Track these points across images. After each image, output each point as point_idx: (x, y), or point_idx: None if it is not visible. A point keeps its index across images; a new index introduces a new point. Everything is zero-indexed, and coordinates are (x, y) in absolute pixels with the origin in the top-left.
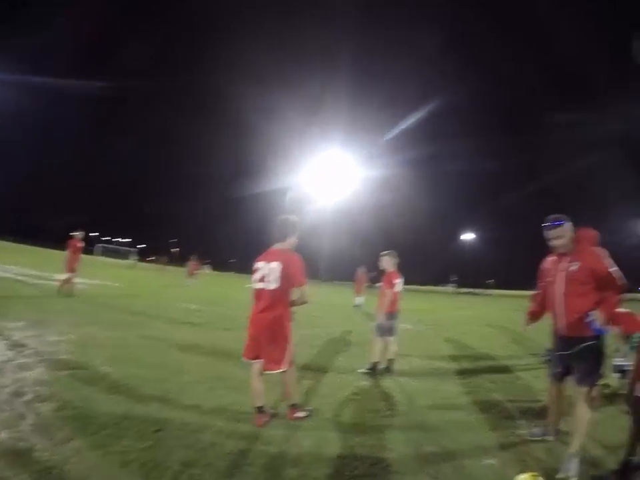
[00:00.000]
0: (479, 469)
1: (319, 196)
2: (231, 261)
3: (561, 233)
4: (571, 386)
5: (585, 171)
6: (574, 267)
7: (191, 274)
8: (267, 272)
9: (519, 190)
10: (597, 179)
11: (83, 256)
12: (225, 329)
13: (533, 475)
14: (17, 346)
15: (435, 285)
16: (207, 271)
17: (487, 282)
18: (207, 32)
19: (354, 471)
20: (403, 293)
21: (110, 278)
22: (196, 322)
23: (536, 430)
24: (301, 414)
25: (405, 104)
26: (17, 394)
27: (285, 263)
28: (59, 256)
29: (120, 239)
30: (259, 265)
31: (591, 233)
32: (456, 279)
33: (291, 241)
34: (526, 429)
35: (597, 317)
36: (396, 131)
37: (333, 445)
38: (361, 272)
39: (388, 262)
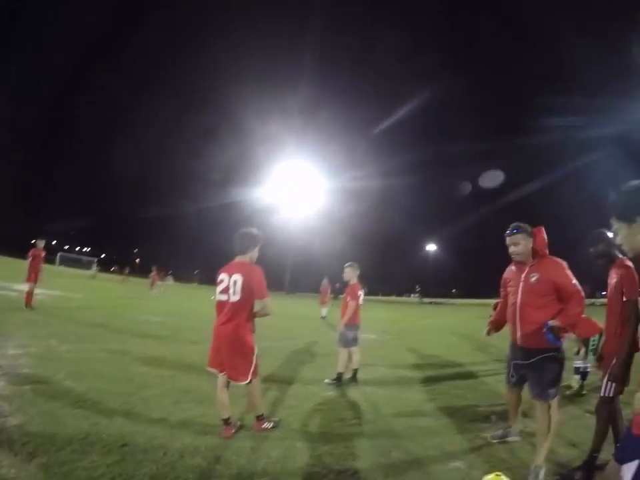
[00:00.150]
0: (445, 472)
1: (283, 207)
2: (195, 272)
3: (516, 240)
4: (529, 395)
5: (553, 181)
6: (533, 278)
7: (152, 285)
8: (229, 284)
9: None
10: (567, 189)
11: (44, 265)
12: (189, 342)
13: (497, 475)
14: None
15: (399, 295)
16: (169, 282)
17: (451, 292)
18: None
19: (322, 479)
20: (365, 304)
21: (71, 289)
22: (159, 335)
23: (499, 432)
24: (267, 425)
25: (371, 116)
26: None
27: (247, 275)
28: (18, 265)
29: (79, 248)
30: (222, 277)
31: (539, 232)
32: (420, 289)
33: (252, 254)
34: (490, 432)
35: (552, 328)
36: (361, 143)
37: (300, 454)
38: (325, 283)
39: (350, 273)
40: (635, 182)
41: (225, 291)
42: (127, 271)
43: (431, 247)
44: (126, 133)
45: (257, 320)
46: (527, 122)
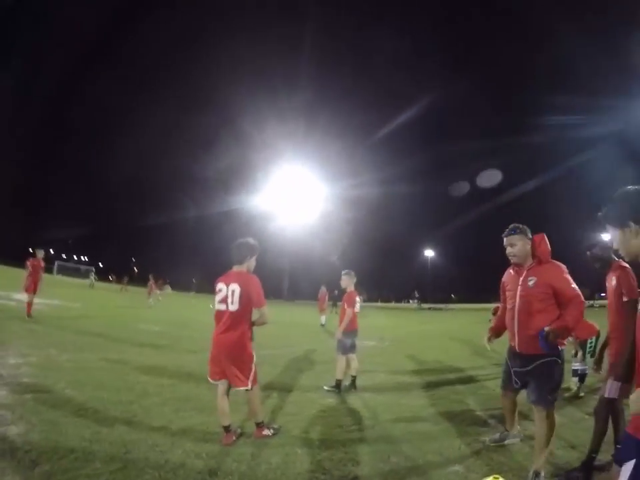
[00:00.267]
0: (444, 476)
1: (282, 214)
2: (194, 280)
3: (513, 241)
4: (527, 400)
5: (553, 181)
6: (530, 282)
7: (150, 293)
8: (228, 294)
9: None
10: (567, 188)
11: (43, 275)
12: (188, 351)
13: (495, 478)
14: None
15: (398, 301)
16: (167, 290)
17: (450, 297)
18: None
19: None
20: (364, 311)
21: (69, 298)
22: (158, 344)
23: (496, 435)
24: (267, 432)
25: (370, 123)
26: None
27: (244, 285)
28: (15, 273)
29: (76, 257)
30: (219, 286)
31: (541, 240)
32: (419, 295)
33: (249, 264)
34: (489, 435)
35: (548, 335)
36: (360, 150)
37: (300, 460)
38: (323, 291)
39: (347, 281)
40: (627, 188)
41: (224, 300)
42: (125, 280)
43: (429, 253)
44: (123, 139)
45: (255, 328)
46: (527, 122)
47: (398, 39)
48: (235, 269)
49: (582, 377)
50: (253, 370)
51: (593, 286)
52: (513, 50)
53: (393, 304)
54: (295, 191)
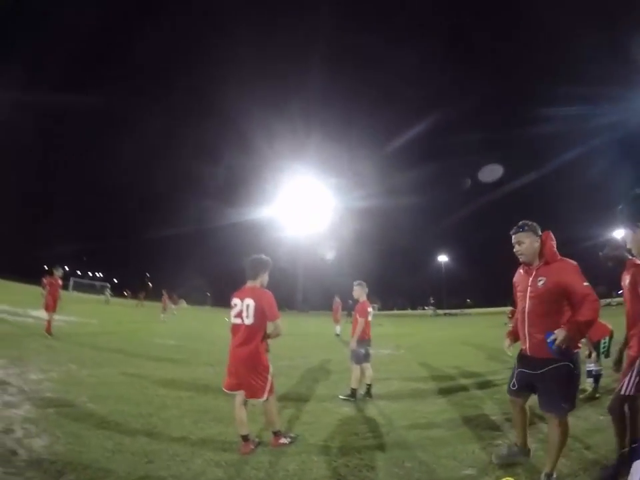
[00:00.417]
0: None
1: (293, 226)
2: (207, 294)
3: (520, 239)
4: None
5: (562, 176)
6: (540, 282)
7: (164, 308)
8: (243, 308)
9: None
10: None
11: (61, 292)
12: (205, 364)
13: None
14: (0, 384)
15: (414, 308)
16: (182, 305)
17: (465, 302)
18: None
19: None
20: (380, 319)
21: (86, 314)
22: (175, 358)
23: (503, 451)
24: (284, 440)
25: (380, 135)
26: (7, 431)
27: (259, 299)
28: (30, 290)
29: (91, 273)
30: (235, 301)
31: (546, 238)
32: (434, 301)
33: (262, 279)
34: (502, 440)
35: (557, 338)
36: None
37: (317, 467)
38: (337, 301)
39: (359, 291)
40: (638, 191)
41: (239, 314)
42: (142, 295)
43: (443, 258)
44: (131, 150)
45: (271, 340)
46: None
47: (408, 52)
48: (249, 284)
49: (597, 377)
50: (269, 381)
51: (609, 283)
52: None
53: (408, 311)
54: (305, 202)
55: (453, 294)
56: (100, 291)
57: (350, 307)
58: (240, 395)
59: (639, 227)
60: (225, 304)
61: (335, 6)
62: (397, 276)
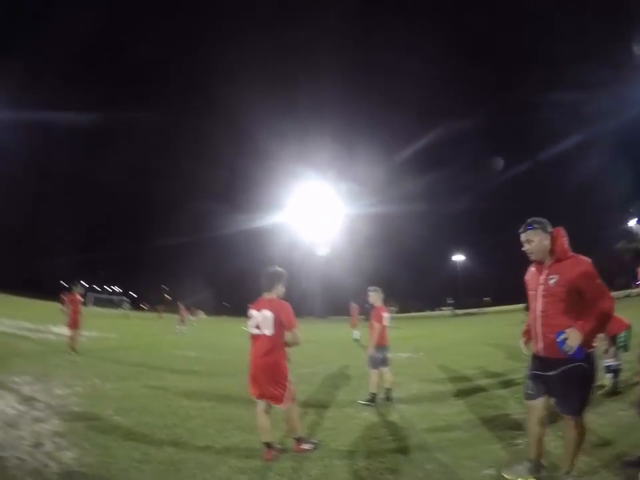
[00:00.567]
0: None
1: (307, 232)
2: (224, 304)
3: (529, 237)
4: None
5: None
6: (552, 280)
7: (181, 320)
8: (261, 319)
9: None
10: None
11: (81, 308)
12: (226, 375)
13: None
14: (27, 400)
15: (432, 310)
16: (201, 316)
17: (483, 300)
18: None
19: None
20: (398, 322)
21: (106, 329)
22: (197, 369)
23: (516, 468)
24: (306, 446)
25: (391, 142)
26: (37, 445)
27: (276, 310)
28: (49, 306)
29: (108, 287)
30: (252, 313)
31: (557, 235)
32: (452, 301)
33: (278, 290)
34: (522, 439)
35: (568, 337)
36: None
37: (339, 471)
38: (354, 306)
39: (374, 297)
40: None
41: (257, 325)
42: (161, 308)
43: (458, 257)
44: (141, 159)
45: (290, 348)
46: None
47: (420, 59)
48: (266, 295)
49: (616, 372)
50: (290, 388)
51: (628, 274)
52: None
53: (426, 313)
54: (318, 208)
55: (470, 293)
56: (118, 305)
57: (367, 310)
58: (262, 403)
59: None
60: (242, 313)
61: (348, 11)
62: (413, 278)
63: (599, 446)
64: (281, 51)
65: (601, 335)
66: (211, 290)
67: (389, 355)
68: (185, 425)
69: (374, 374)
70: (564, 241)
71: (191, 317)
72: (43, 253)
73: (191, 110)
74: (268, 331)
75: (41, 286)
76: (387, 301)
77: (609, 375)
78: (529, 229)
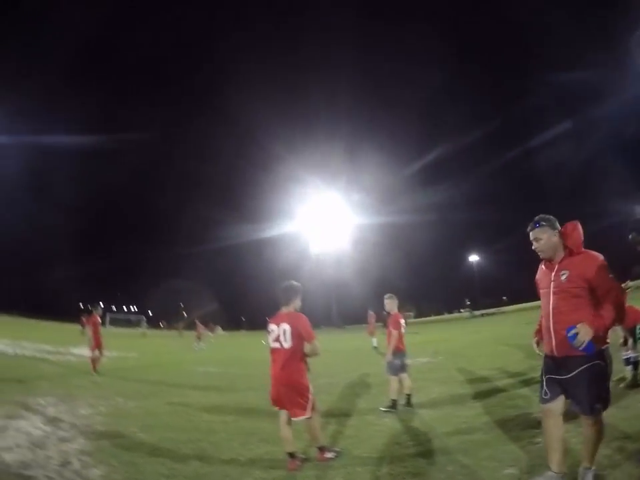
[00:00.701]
0: (499, 479)
1: (320, 242)
2: (242, 318)
3: (537, 235)
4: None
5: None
6: (563, 276)
7: (198, 337)
8: (280, 333)
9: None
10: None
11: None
12: (247, 389)
13: None
14: (53, 420)
15: (450, 312)
16: (219, 332)
17: (501, 299)
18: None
19: None
20: (417, 327)
21: (125, 349)
22: (217, 385)
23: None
24: (329, 454)
25: (407, 151)
26: (64, 464)
27: (294, 324)
28: (68, 328)
29: (125, 307)
30: (272, 327)
31: (573, 229)
32: (469, 302)
33: (295, 304)
34: (542, 437)
35: (579, 331)
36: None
37: (362, 477)
38: (371, 314)
39: (390, 304)
40: None
41: (277, 339)
42: (181, 325)
43: (474, 258)
44: (151, 173)
45: (310, 359)
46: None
47: (435, 72)
48: (283, 309)
49: (635, 364)
50: (311, 399)
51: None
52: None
53: (445, 315)
54: (328, 217)
55: (488, 293)
56: (136, 324)
57: (384, 317)
58: (284, 414)
59: None
60: (259, 326)
61: (361, 21)
62: (430, 283)
63: (620, 439)
64: (293, 59)
65: (616, 328)
66: (226, 304)
67: (408, 361)
68: (209, 439)
69: (393, 380)
70: (578, 235)
71: (210, 333)
72: (56, 276)
73: (201, 119)
74: (287, 343)
75: (57, 309)
76: (403, 307)
77: (629, 368)
78: (537, 226)
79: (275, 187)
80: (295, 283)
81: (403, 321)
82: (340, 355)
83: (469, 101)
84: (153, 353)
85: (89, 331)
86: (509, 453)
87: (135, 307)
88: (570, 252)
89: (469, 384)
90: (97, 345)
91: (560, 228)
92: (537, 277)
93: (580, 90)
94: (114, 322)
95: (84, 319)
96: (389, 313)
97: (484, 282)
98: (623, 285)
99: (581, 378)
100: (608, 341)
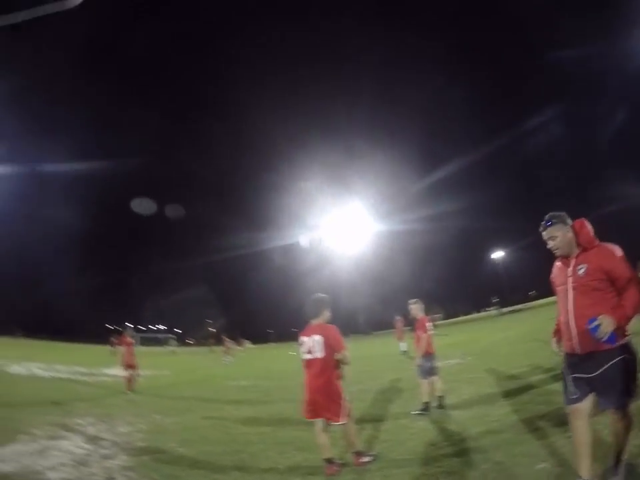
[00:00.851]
0: (532, 474)
1: (342, 250)
2: (269, 331)
3: (552, 234)
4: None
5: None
6: (581, 270)
7: (226, 352)
8: (312, 344)
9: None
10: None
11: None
12: (280, 400)
13: None
14: (93, 439)
15: (478, 311)
16: (247, 345)
17: (528, 294)
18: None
19: None
20: (446, 328)
21: (157, 367)
22: (251, 397)
23: None
24: (365, 459)
25: (429, 159)
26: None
27: (325, 335)
28: (97, 350)
29: (153, 326)
30: (303, 339)
31: (581, 226)
32: (497, 299)
33: (325, 316)
34: None
35: (601, 323)
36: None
37: (398, 479)
38: (399, 319)
39: (417, 309)
40: None
41: (309, 350)
42: (211, 341)
43: (499, 254)
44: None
45: (342, 368)
46: None
47: (459, 82)
48: (314, 322)
49: None
50: (345, 405)
51: None
52: None
53: (473, 315)
54: (352, 226)
55: (514, 289)
56: (164, 342)
57: (412, 321)
58: (320, 422)
59: None
60: (287, 338)
61: (380, 24)
62: (456, 283)
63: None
64: (312, 67)
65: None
66: (252, 317)
67: (437, 364)
68: (247, 450)
69: (425, 383)
70: (588, 231)
71: (239, 347)
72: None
73: (221, 127)
74: (319, 354)
75: (83, 331)
76: (431, 309)
77: None
78: (549, 225)
79: (296, 194)
80: (323, 295)
81: (429, 324)
82: (370, 361)
83: (489, 108)
84: (185, 369)
85: (122, 350)
86: (541, 448)
87: (162, 325)
88: (584, 247)
89: (499, 383)
90: (132, 364)
91: (571, 223)
92: (553, 275)
93: (602, 93)
94: (143, 341)
95: (114, 340)
96: (414, 318)
97: (510, 278)
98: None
99: (609, 374)
100: (628, 333)
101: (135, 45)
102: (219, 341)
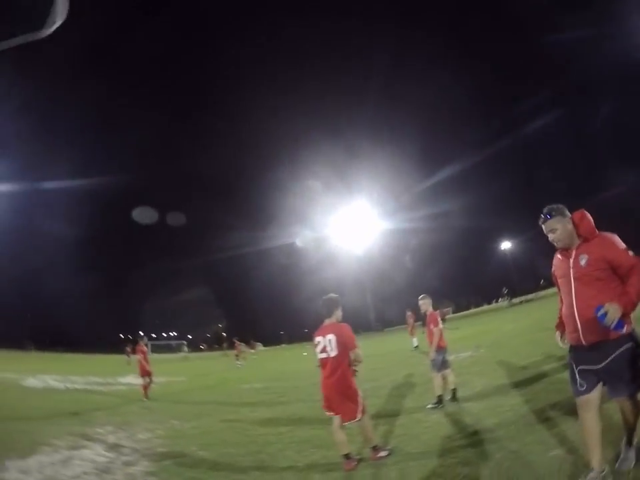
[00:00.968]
0: (545, 461)
1: (351, 248)
2: (281, 332)
3: (552, 226)
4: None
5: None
6: (582, 260)
7: (237, 355)
8: (326, 343)
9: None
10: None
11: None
12: (296, 400)
13: None
14: (114, 447)
15: (489, 303)
16: (260, 348)
17: (539, 283)
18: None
19: None
20: (457, 322)
21: (171, 373)
22: (266, 399)
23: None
24: (382, 453)
25: (434, 156)
26: None
27: (338, 334)
28: (111, 359)
29: (164, 333)
30: (318, 339)
31: (581, 217)
32: (507, 290)
33: (337, 315)
34: None
35: (608, 310)
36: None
37: (415, 471)
38: (410, 314)
39: (425, 305)
40: None
41: (324, 349)
42: (224, 346)
43: (506, 245)
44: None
45: (356, 365)
46: None
47: (469, 80)
48: (327, 322)
49: None
50: (360, 402)
51: None
52: None
53: (485, 307)
54: (360, 224)
55: (525, 279)
56: (177, 349)
57: (422, 316)
58: (336, 419)
59: None
60: (299, 339)
61: (390, 19)
62: (465, 277)
63: None
64: (314, 66)
65: None
66: (263, 319)
67: (449, 357)
68: (266, 450)
69: (437, 377)
70: (588, 222)
71: (251, 350)
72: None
73: (224, 127)
74: (333, 352)
75: (96, 342)
76: (441, 304)
77: None
78: (549, 217)
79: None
80: (334, 295)
81: (440, 319)
82: (382, 357)
83: (497, 107)
84: (199, 375)
85: (138, 358)
86: (554, 436)
87: (173, 332)
88: (585, 238)
89: (511, 373)
90: (147, 372)
91: (570, 215)
92: (554, 267)
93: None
94: (155, 348)
95: (129, 349)
96: (425, 314)
97: (519, 268)
98: None
99: (616, 364)
100: (631, 321)
101: (135, 45)
102: (230, 345)
